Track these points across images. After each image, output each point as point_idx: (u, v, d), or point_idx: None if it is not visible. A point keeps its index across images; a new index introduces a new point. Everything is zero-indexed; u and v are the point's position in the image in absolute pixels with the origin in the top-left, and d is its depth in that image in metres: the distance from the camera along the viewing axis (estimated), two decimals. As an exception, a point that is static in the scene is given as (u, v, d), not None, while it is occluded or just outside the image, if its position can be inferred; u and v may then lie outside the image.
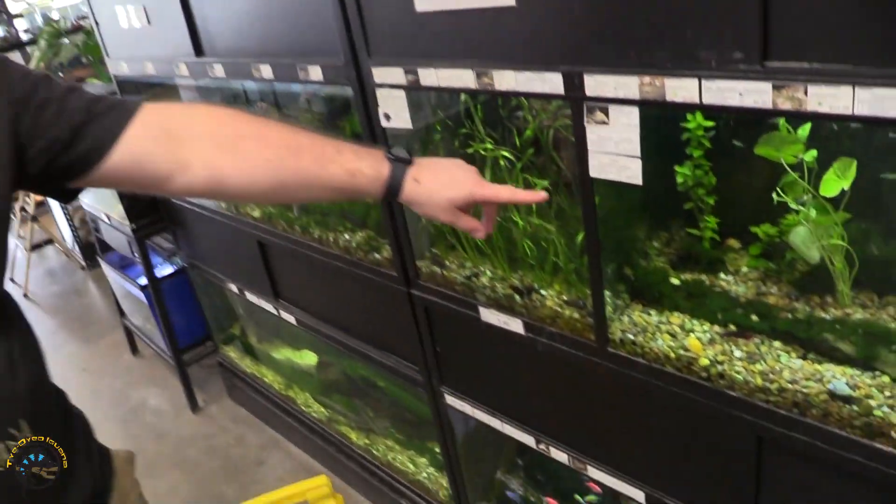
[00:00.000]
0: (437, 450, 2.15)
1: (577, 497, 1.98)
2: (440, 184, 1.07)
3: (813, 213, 1.20)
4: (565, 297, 1.49)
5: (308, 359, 2.75)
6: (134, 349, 4.17)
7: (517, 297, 1.56)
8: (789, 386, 1.17)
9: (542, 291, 1.53)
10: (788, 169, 1.17)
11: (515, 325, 1.57)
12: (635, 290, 1.45)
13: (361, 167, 1.04)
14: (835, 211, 1.17)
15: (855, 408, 1.10)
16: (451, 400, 1.95)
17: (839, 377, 1.15)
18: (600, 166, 1.21)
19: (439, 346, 1.89)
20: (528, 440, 1.76)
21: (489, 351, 1.74)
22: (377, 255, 1.92)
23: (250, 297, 2.73)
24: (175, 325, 3.36)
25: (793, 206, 1.19)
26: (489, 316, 1.62)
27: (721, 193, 1.38)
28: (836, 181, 1.13)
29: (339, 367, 2.54)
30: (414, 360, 2.02)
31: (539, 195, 1.13)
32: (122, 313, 3.98)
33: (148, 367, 4.03)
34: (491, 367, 1.77)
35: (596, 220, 1.29)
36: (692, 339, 1.29)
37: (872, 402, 1.09)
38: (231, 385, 3.45)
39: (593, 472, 1.63)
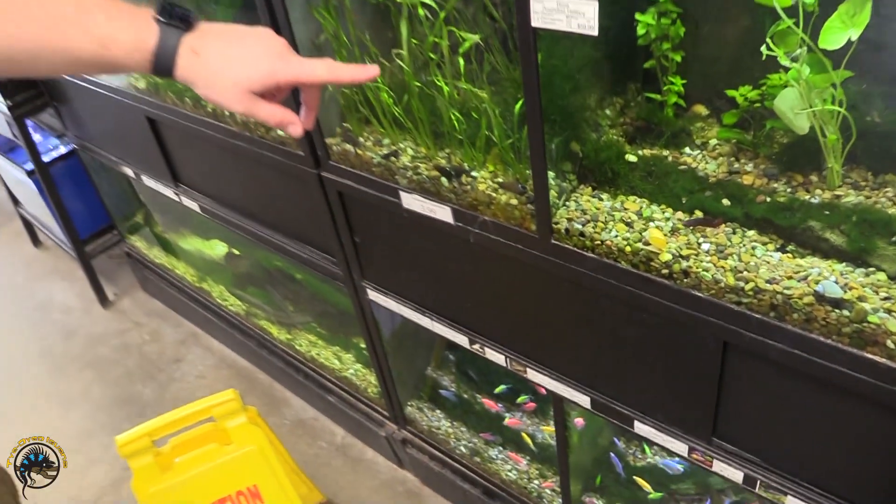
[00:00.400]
0: (363, 346, 1.96)
1: (502, 389, 1.83)
2: (229, 58, 0.79)
3: (806, 70, 0.95)
4: (501, 180, 1.24)
5: (218, 249, 2.47)
6: (35, 240, 3.79)
7: (444, 181, 1.30)
8: (767, 286, 0.97)
9: (474, 173, 1.27)
10: (782, 13, 0.91)
11: (443, 213, 1.32)
12: (584, 169, 1.21)
13: (115, 33, 0.75)
14: (833, 68, 0.93)
15: (846, 313, 0.91)
16: (374, 296, 1.72)
17: (827, 275, 0.95)
18: (545, 13, 0.92)
19: (358, 236, 1.64)
20: (460, 340, 1.56)
21: (415, 242, 1.50)
22: (280, 132, 1.61)
23: (147, 181, 2.39)
24: (73, 213, 3.00)
25: (784, 61, 0.94)
26: (412, 202, 1.37)
27: (689, 48, 1.12)
28: (842, 28, 0.88)
29: (253, 258, 2.28)
30: (331, 252, 1.77)
31: (370, 71, 0.84)
32: (15, 202, 3.57)
33: (52, 259, 3.69)
34: (418, 260, 1.54)
35: (538, 83, 1.02)
36: (653, 231, 1.07)
37: (866, 306, 0.90)
38: (143, 277, 3.16)
39: (533, 375, 1.45)
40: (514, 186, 1.21)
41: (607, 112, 1.25)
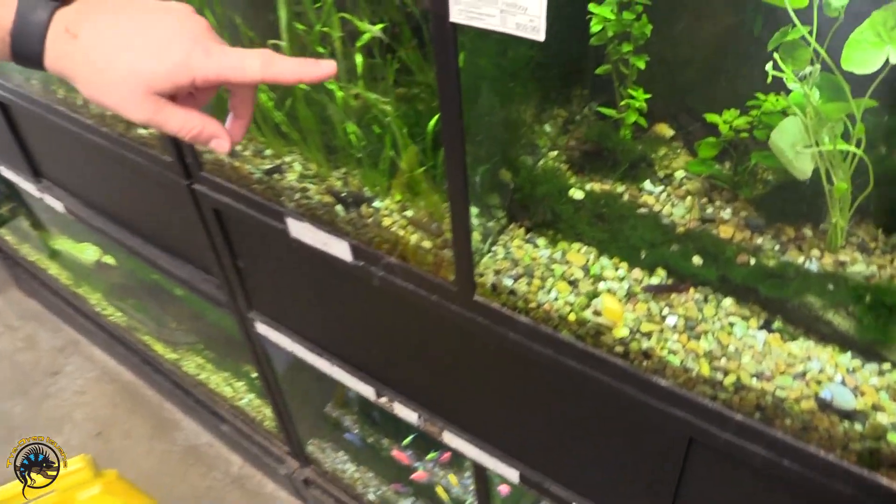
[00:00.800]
0: (255, 375, 1.66)
1: (410, 440, 1.56)
2: (122, 42, 0.54)
3: (815, 95, 0.71)
4: (411, 214, 0.97)
5: (88, 253, 2.11)
6: None
7: (340, 209, 1.01)
8: (753, 383, 0.73)
9: (377, 203, 0.99)
10: (794, 17, 0.66)
11: (339, 249, 1.04)
12: (515, 204, 0.94)
13: None
14: (852, 96, 0.69)
15: (857, 427, 0.68)
16: (263, 329, 1.43)
17: (830, 372, 0.72)
18: (470, 4, 0.65)
19: (242, 261, 1.34)
20: (365, 391, 1.29)
21: (310, 276, 1.21)
22: (142, 131, 1.29)
23: (6, 173, 2.01)
24: (-70, 198, 2.57)
25: (791, 82, 0.69)
26: (301, 231, 1.08)
27: (655, 52, 0.87)
28: (877, 44, 0.63)
29: (127, 268, 1.94)
30: (213, 274, 1.46)
31: (324, 68, 0.58)
32: None
33: (-87, 246, 3.21)
34: (315, 296, 1.25)
35: (459, 92, 0.74)
36: (607, 300, 0.81)
37: (884, 420, 0.68)
38: (16, 274, 2.75)
39: (451, 439, 1.20)
40: (426, 225, 0.93)
41: (546, 129, 0.99)
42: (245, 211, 1.16)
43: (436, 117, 0.86)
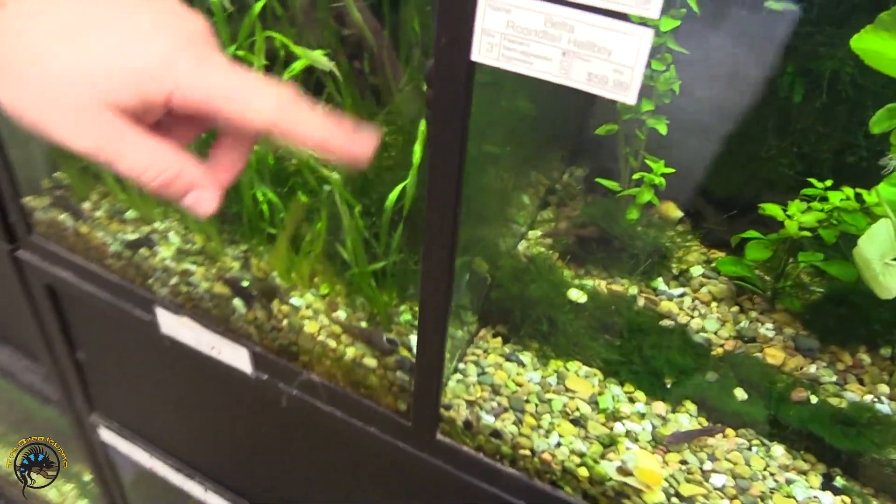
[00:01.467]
0: (88, 478, 1.30)
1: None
2: (70, 26, 0.33)
3: (916, 195, 0.54)
4: (343, 315, 0.70)
5: None
6: None
7: (239, 304, 0.73)
8: (848, 580, 0.53)
9: (295, 299, 0.72)
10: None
11: (235, 356, 0.75)
12: (491, 304, 0.71)
13: None
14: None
15: None
16: (110, 438, 1.08)
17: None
18: (508, 37, 0.43)
19: (83, 352, 1.00)
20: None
21: (184, 381, 0.90)
22: None
23: None
24: None
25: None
26: (177, 328, 0.78)
27: (671, 115, 0.68)
28: None
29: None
30: (42, 363, 1.10)
31: (361, 146, 0.36)
32: None
33: None
34: (190, 406, 0.94)
35: (462, 162, 0.50)
36: (641, 458, 0.59)
37: None
38: None
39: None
40: (372, 337, 0.67)
41: (525, 200, 0.77)
42: (93, 292, 0.84)
43: (399, 187, 0.61)
